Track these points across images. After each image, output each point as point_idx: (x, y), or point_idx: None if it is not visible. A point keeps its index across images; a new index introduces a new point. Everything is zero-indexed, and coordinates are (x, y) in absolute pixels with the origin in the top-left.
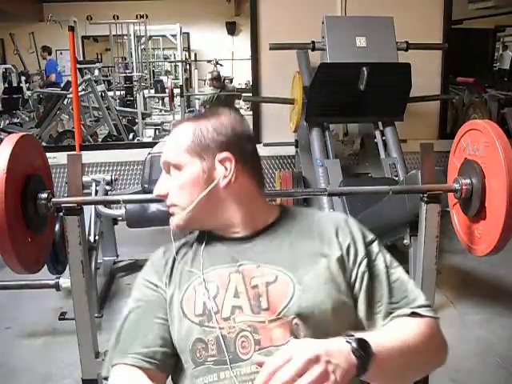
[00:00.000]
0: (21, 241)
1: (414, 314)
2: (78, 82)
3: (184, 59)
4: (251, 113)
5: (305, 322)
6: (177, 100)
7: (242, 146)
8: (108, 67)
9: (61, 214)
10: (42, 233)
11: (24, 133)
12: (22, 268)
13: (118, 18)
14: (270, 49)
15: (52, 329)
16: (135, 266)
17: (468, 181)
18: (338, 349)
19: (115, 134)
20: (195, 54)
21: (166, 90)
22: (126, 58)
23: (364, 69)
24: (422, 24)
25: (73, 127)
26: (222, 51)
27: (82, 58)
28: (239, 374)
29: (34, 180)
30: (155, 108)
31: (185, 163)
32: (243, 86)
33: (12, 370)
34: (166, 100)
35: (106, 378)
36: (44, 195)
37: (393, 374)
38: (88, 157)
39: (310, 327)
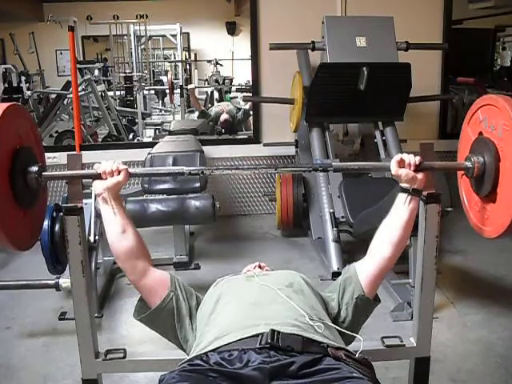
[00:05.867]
0: (11, 218)
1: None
2: (78, 82)
3: (184, 59)
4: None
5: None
6: (177, 100)
7: None
8: (108, 67)
9: (61, 214)
10: (33, 207)
11: (12, 103)
12: (14, 247)
13: (118, 18)
14: (270, 49)
15: (52, 329)
16: None
17: (481, 159)
18: None
19: (115, 133)
20: (195, 54)
21: (166, 91)
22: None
23: (364, 69)
24: (422, 24)
25: (73, 127)
26: (222, 51)
27: (82, 58)
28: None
29: (23, 153)
30: (155, 108)
31: None
32: (243, 86)
33: (12, 370)
34: (166, 100)
35: None
36: (34, 168)
37: None
38: (88, 157)
39: None
